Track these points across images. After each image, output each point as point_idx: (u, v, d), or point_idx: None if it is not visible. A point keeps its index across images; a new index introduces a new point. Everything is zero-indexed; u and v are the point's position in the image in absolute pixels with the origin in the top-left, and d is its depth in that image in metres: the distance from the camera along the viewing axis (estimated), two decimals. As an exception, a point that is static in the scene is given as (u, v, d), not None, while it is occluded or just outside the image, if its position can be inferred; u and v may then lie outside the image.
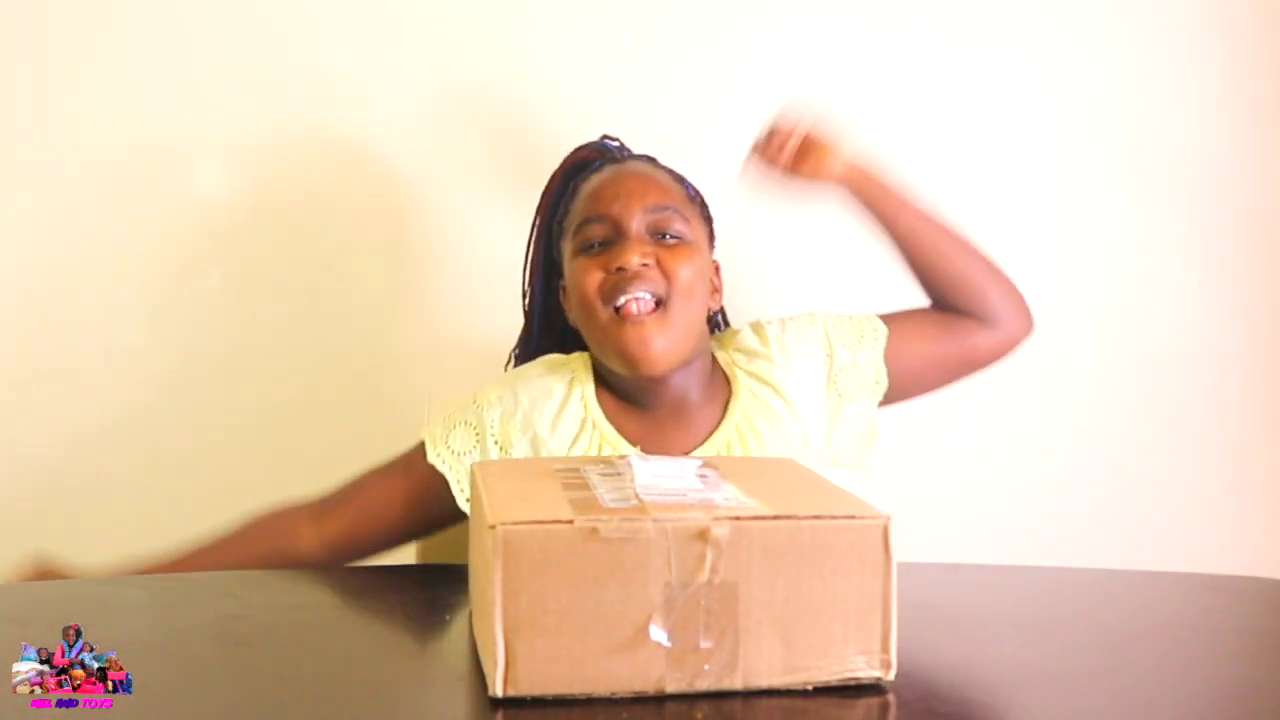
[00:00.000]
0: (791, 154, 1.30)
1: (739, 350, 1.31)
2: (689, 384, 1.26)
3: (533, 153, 1.68)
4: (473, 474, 0.95)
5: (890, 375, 1.30)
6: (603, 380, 1.28)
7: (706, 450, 1.25)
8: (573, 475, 0.93)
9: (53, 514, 1.67)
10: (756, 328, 1.32)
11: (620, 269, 1.20)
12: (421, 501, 1.26)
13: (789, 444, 1.27)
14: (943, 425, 1.80)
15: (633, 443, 1.24)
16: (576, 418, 1.25)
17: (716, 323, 1.40)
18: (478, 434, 1.25)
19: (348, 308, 1.71)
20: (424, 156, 1.70)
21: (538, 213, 1.36)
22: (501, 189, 1.70)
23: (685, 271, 1.22)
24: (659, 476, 0.91)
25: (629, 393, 1.27)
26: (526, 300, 1.38)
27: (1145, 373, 1.84)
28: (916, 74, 1.78)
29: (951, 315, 1.32)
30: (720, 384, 1.29)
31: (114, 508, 1.68)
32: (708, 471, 0.95)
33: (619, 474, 0.93)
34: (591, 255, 1.24)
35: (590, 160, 1.33)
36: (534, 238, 1.36)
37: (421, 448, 1.26)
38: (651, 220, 1.24)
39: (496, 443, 1.25)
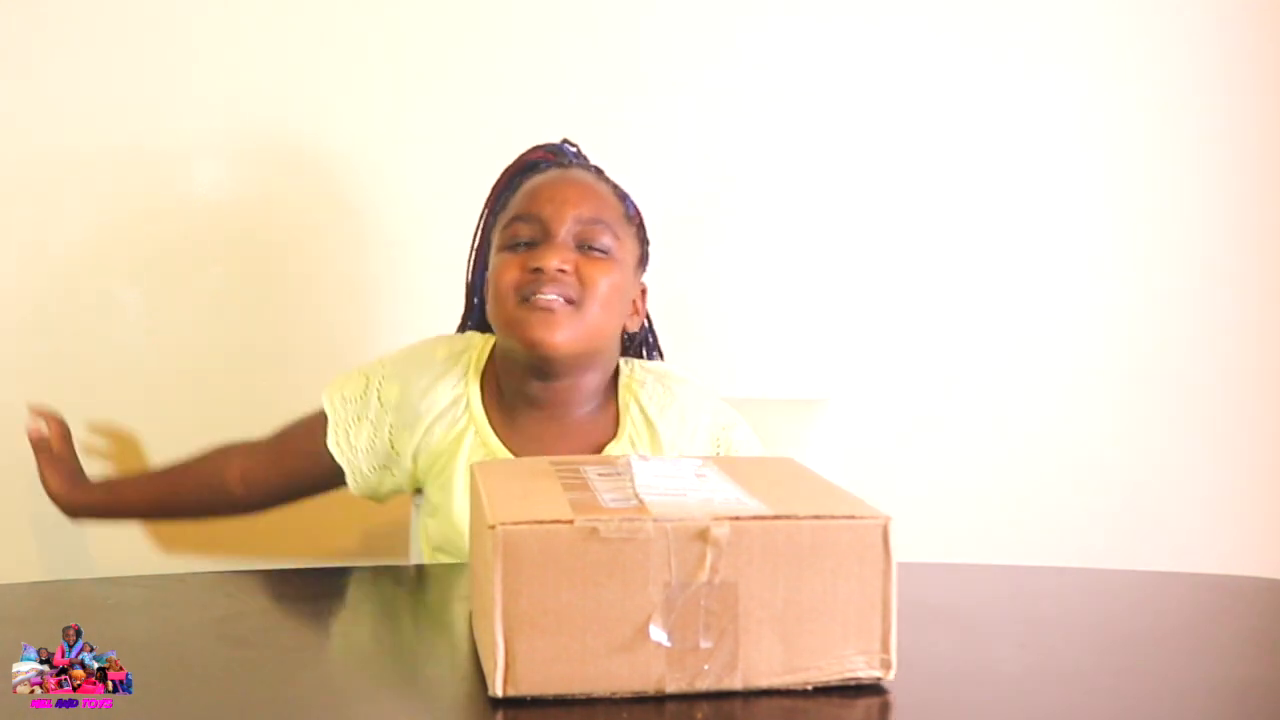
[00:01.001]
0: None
1: (636, 396, 1.30)
2: (577, 394, 1.27)
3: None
4: (472, 474, 0.95)
5: None
6: (492, 380, 1.30)
7: None
8: (572, 475, 0.93)
9: (53, 514, 1.67)
10: (668, 388, 1.31)
11: (537, 269, 1.21)
12: (319, 466, 1.31)
13: None
14: (943, 425, 1.80)
15: (509, 446, 1.26)
16: (457, 398, 1.28)
17: (638, 346, 1.39)
18: (366, 384, 1.30)
19: (347, 307, 1.71)
20: (424, 157, 1.70)
21: (485, 203, 1.37)
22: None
23: (603, 282, 1.23)
24: (659, 476, 0.91)
25: (516, 390, 1.28)
26: (468, 278, 1.39)
27: (1144, 374, 1.84)
28: (915, 76, 1.78)
29: None
30: (607, 421, 1.29)
31: (114, 508, 1.68)
32: (707, 471, 0.95)
33: (619, 474, 0.92)
34: (514, 253, 1.24)
35: (541, 161, 1.34)
36: (479, 227, 1.37)
37: (323, 420, 1.31)
38: (580, 230, 1.24)
39: (379, 399, 1.29)
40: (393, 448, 1.29)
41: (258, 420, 1.68)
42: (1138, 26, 1.81)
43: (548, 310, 1.20)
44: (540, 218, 1.24)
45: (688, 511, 0.81)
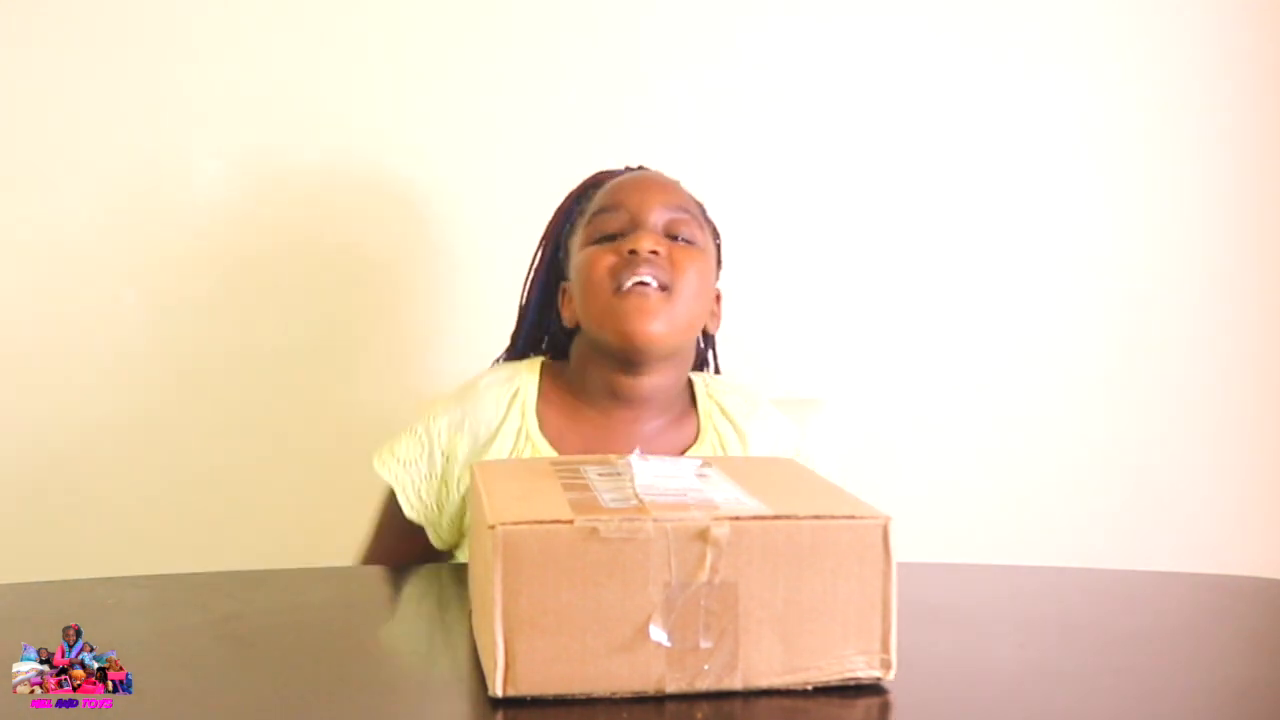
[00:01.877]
0: None
1: (721, 405, 1.31)
2: (660, 394, 1.26)
3: (530, 153, 1.69)
4: (473, 474, 0.95)
5: None
6: (551, 389, 1.28)
7: None
8: (573, 475, 0.93)
9: (53, 514, 1.68)
10: (748, 398, 1.33)
11: (633, 251, 1.20)
12: (418, 538, 1.28)
13: None
14: (941, 425, 1.80)
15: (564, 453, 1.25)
16: (513, 429, 1.25)
17: (705, 355, 1.39)
18: (424, 444, 1.26)
19: (347, 308, 1.71)
20: (424, 157, 1.70)
21: (551, 223, 1.35)
22: (500, 190, 1.70)
23: (693, 270, 1.23)
24: (659, 476, 0.91)
25: (579, 392, 1.26)
26: (524, 298, 1.37)
27: (1144, 374, 1.84)
28: (913, 75, 1.78)
29: None
30: (688, 425, 1.29)
31: (114, 507, 1.68)
32: (708, 471, 0.95)
33: (619, 474, 0.92)
34: (605, 245, 1.24)
35: (614, 173, 1.34)
36: (540, 254, 1.36)
37: (391, 494, 1.28)
38: (669, 219, 1.25)
39: (442, 451, 1.26)
40: (454, 493, 1.26)
41: (258, 420, 1.69)
42: (1138, 27, 1.81)
43: (642, 297, 1.19)
44: (628, 207, 1.24)
45: (688, 511, 0.81)
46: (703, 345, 1.38)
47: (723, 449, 1.28)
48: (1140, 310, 1.83)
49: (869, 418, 1.77)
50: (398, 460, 1.26)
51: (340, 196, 1.71)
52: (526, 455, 1.25)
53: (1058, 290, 1.82)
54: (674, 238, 1.24)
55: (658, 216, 1.24)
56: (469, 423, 1.26)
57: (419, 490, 1.26)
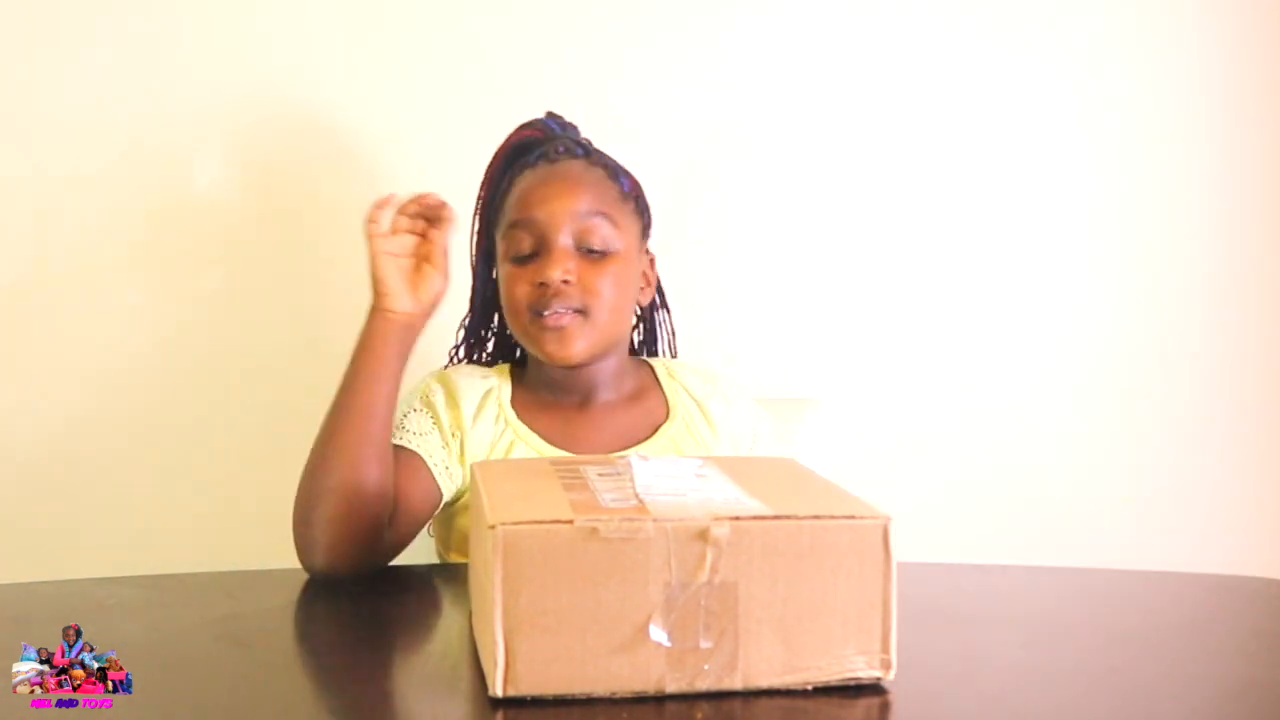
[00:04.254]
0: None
1: (683, 384, 1.37)
2: (602, 379, 1.32)
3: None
4: (472, 474, 0.95)
5: None
6: (520, 381, 1.34)
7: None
8: (572, 475, 0.93)
9: (53, 513, 1.68)
10: (707, 378, 1.38)
11: (543, 284, 1.25)
12: (420, 484, 1.26)
13: None
14: (943, 425, 1.80)
15: (545, 438, 1.29)
16: (492, 414, 1.30)
17: (647, 316, 1.43)
18: (431, 415, 1.28)
19: (348, 307, 1.71)
20: (424, 156, 1.70)
21: (481, 189, 1.37)
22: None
23: (607, 287, 1.27)
24: (659, 476, 0.91)
25: (545, 385, 1.33)
26: (472, 275, 1.39)
27: (1144, 373, 1.84)
28: (912, 72, 1.78)
29: None
30: (656, 404, 1.35)
31: (114, 507, 1.68)
32: (707, 471, 0.95)
33: (619, 474, 0.93)
34: (519, 264, 1.28)
35: (531, 143, 1.34)
36: (477, 212, 1.38)
37: (417, 459, 1.27)
38: (578, 229, 1.27)
39: (449, 425, 1.28)
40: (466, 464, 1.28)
41: (258, 420, 1.69)
42: (1139, 26, 1.81)
43: (558, 326, 1.25)
44: (536, 224, 1.27)
45: (688, 511, 0.81)
46: (639, 317, 1.41)
47: (690, 427, 1.33)
48: (1139, 310, 1.83)
49: (865, 417, 1.77)
50: (415, 433, 1.27)
51: (341, 196, 1.70)
52: (507, 439, 1.29)
53: (1057, 289, 1.82)
54: (587, 249, 1.27)
55: (567, 232, 1.26)
56: (451, 402, 1.29)
57: (444, 462, 1.27)
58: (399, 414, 1.27)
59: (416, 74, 1.71)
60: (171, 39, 1.66)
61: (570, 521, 0.79)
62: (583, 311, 1.26)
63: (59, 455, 1.67)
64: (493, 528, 0.79)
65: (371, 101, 1.70)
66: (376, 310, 1.23)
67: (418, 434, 1.27)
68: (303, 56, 1.69)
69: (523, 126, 1.37)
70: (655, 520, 0.80)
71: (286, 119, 1.69)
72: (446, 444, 1.27)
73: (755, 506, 0.84)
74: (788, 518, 0.82)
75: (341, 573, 1.16)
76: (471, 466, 0.99)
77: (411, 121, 1.70)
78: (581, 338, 1.26)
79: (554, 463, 1.00)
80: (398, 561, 1.38)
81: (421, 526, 1.29)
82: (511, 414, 1.30)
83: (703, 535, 0.80)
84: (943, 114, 1.78)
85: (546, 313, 1.25)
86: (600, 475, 0.92)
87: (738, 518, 0.81)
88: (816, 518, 0.82)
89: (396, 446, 1.25)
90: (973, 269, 1.81)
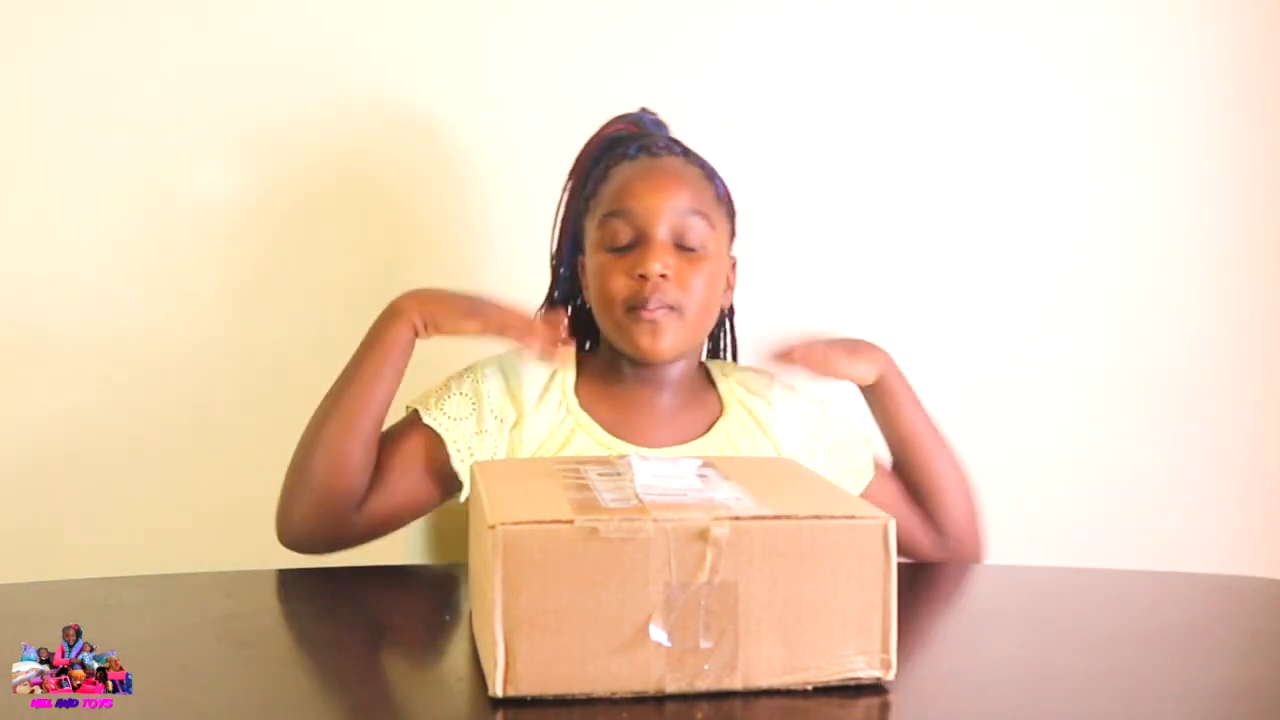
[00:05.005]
0: (831, 357, 1.33)
1: (740, 382, 1.36)
2: (673, 375, 1.32)
3: (532, 148, 1.69)
4: (472, 474, 0.95)
5: None
6: (585, 370, 1.33)
7: (690, 451, 1.28)
8: (573, 475, 0.93)
9: (52, 513, 1.68)
10: (762, 373, 1.37)
11: (642, 276, 1.24)
12: (418, 470, 1.26)
13: None
14: (943, 426, 1.80)
15: (610, 430, 1.28)
16: (555, 400, 1.29)
17: (723, 320, 1.42)
18: (474, 402, 1.28)
19: (348, 307, 1.71)
20: (425, 155, 1.70)
21: (570, 175, 1.37)
22: (501, 188, 1.70)
23: (700, 286, 1.26)
24: (659, 476, 0.91)
25: (615, 376, 1.32)
26: (554, 260, 1.39)
27: (1145, 374, 1.84)
28: (914, 73, 1.78)
29: (917, 509, 1.36)
30: (711, 402, 1.34)
31: (114, 507, 1.68)
32: (708, 471, 0.95)
33: (619, 474, 0.93)
34: (614, 255, 1.27)
35: (626, 137, 1.34)
36: (564, 200, 1.38)
37: (413, 415, 1.28)
38: (677, 225, 1.26)
39: (495, 414, 1.27)
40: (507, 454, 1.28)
41: (258, 421, 1.69)
42: (1141, 25, 1.81)
43: (652, 320, 1.24)
44: (636, 216, 1.26)
45: (688, 511, 0.81)
46: (721, 318, 1.41)
47: (753, 418, 1.33)
48: (1140, 309, 1.83)
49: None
50: (448, 416, 1.27)
51: (342, 195, 1.71)
52: (568, 427, 1.28)
53: (1057, 290, 1.82)
54: (685, 246, 1.26)
55: (666, 226, 1.26)
56: (512, 386, 1.29)
57: (470, 446, 1.26)
58: (438, 391, 1.28)
59: (417, 74, 1.70)
60: (172, 38, 1.66)
61: (570, 521, 0.79)
62: (676, 308, 1.25)
63: (59, 455, 1.67)
64: (493, 528, 0.79)
65: (372, 101, 1.70)
66: (401, 319, 1.24)
67: (452, 418, 1.27)
68: (303, 56, 1.68)
69: (617, 119, 1.37)
70: (655, 520, 0.80)
71: (287, 119, 1.69)
72: (482, 430, 1.26)
73: (755, 506, 0.84)
74: (788, 518, 0.82)
75: (314, 551, 1.24)
76: (471, 467, 0.99)
77: (412, 121, 1.70)
78: (672, 333, 1.25)
79: (554, 462, 1.00)
80: (397, 562, 1.38)
81: (418, 511, 1.28)
82: (574, 401, 1.29)
83: (703, 535, 0.80)
84: (942, 116, 1.78)
85: (641, 309, 1.24)
86: (600, 475, 0.92)
87: (738, 518, 0.81)
88: (816, 518, 0.82)
89: (423, 426, 1.25)
90: (972, 270, 1.81)
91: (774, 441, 1.32)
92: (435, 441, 1.26)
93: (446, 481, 1.27)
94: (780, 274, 1.78)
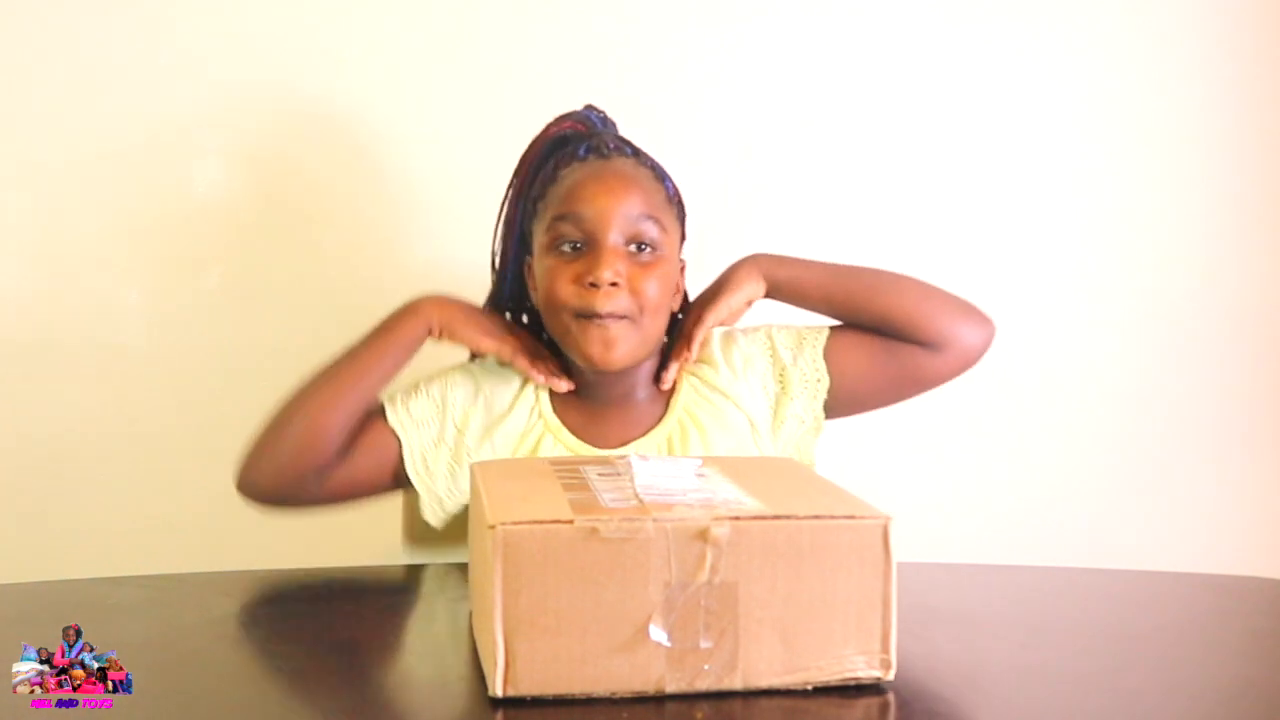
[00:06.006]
0: (709, 314, 1.31)
1: (696, 371, 1.34)
2: (636, 380, 1.31)
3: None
4: (472, 474, 0.95)
5: (832, 376, 1.31)
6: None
7: (649, 443, 1.28)
8: (572, 475, 0.93)
9: (52, 513, 1.68)
10: (703, 340, 1.34)
11: (593, 284, 1.21)
12: (377, 459, 1.28)
13: (735, 436, 1.30)
14: (943, 425, 1.80)
15: (576, 434, 1.28)
16: (527, 407, 1.29)
17: (673, 324, 1.39)
18: (439, 408, 1.29)
19: (348, 307, 1.71)
20: (425, 155, 1.70)
21: (515, 175, 1.34)
22: (502, 184, 1.70)
23: (653, 291, 1.24)
24: (659, 476, 0.91)
25: (576, 378, 1.30)
26: (498, 262, 1.37)
27: (1144, 373, 1.84)
28: (914, 72, 1.78)
29: (895, 340, 1.32)
30: (670, 395, 1.32)
31: (114, 507, 1.68)
32: (707, 471, 0.95)
33: (619, 474, 0.93)
34: (564, 258, 1.24)
35: (573, 136, 1.31)
36: (508, 200, 1.35)
37: (379, 409, 1.29)
38: (628, 230, 1.23)
39: (455, 423, 1.28)
40: (465, 467, 1.27)
41: (258, 420, 1.68)
42: (1142, 24, 1.81)
43: (603, 329, 1.22)
44: (586, 220, 1.23)
45: (688, 511, 0.81)
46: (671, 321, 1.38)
47: (706, 384, 1.31)
48: (1140, 309, 1.83)
49: (865, 417, 1.77)
50: (411, 418, 1.28)
51: (342, 196, 1.71)
52: (538, 432, 1.28)
53: (1058, 290, 1.82)
54: (637, 245, 1.24)
55: (617, 231, 1.23)
56: (483, 397, 1.29)
57: (424, 452, 1.27)
58: (407, 389, 1.29)
59: (418, 73, 1.70)
60: (172, 38, 1.66)
61: (570, 521, 0.79)
62: (629, 316, 1.23)
63: (59, 455, 1.67)
64: (493, 528, 0.79)
65: (372, 101, 1.70)
66: (420, 316, 1.26)
67: (414, 421, 1.27)
68: (304, 55, 1.68)
69: (562, 118, 1.33)
70: (655, 520, 0.80)
71: (287, 118, 1.69)
72: (441, 441, 1.27)
73: (755, 506, 0.84)
74: (788, 518, 0.82)
75: (265, 504, 1.28)
76: (471, 467, 0.99)
77: (412, 121, 1.70)
78: (625, 341, 1.23)
79: (554, 462, 1.00)
80: (396, 562, 1.39)
81: (373, 493, 1.30)
82: (546, 407, 1.29)
83: (703, 535, 0.80)
84: (941, 116, 1.78)
85: (593, 315, 1.22)
86: (600, 475, 0.92)
87: (738, 518, 0.81)
88: (816, 518, 0.82)
89: (382, 421, 1.27)
90: (971, 270, 1.81)
91: (732, 398, 1.31)
92: (394, 439, 1.27)
93: (399, 477, 1.28)
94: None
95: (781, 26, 1.76)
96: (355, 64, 1.69)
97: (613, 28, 1.74)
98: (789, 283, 1.32)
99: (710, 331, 1.32)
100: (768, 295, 1.33)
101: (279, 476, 1.25)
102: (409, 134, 1.70)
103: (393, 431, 1.27)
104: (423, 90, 1.71)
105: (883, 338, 1.31)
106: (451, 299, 1.30)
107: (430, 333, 1.27)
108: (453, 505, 1.29)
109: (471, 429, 1.28)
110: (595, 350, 1.22)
